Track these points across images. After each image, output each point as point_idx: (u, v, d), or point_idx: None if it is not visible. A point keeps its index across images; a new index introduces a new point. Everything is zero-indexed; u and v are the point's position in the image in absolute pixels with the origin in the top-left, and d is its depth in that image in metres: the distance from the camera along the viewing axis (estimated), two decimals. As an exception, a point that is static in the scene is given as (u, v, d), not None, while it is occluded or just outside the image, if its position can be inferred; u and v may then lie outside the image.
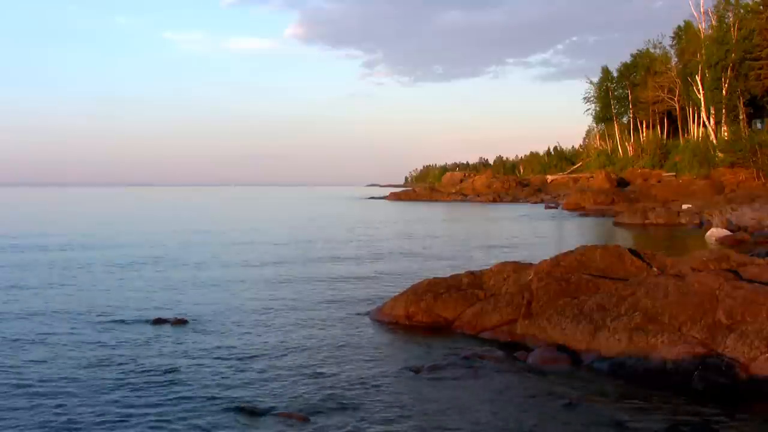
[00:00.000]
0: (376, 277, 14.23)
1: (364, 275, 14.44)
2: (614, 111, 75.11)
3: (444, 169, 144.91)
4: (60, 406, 6.02)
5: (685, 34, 60.82)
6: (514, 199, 61.61)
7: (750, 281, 7.71)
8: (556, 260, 9.53)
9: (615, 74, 74.95)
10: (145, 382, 6.70)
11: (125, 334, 8.77)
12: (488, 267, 10.31)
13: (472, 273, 10.08)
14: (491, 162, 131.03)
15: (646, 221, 29.97)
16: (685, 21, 61.72)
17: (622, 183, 52.57)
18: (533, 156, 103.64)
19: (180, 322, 9.45)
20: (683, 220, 29.28)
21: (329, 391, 6.42)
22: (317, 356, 7.72)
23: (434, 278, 10.12)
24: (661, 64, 64.06)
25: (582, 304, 8.09)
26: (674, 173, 53.27)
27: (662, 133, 66.21)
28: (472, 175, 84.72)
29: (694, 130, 58.62)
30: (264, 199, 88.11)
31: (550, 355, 7.46)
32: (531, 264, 10.06)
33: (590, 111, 79.95)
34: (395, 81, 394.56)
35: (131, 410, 5.91)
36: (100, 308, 10.58)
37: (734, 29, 50.43)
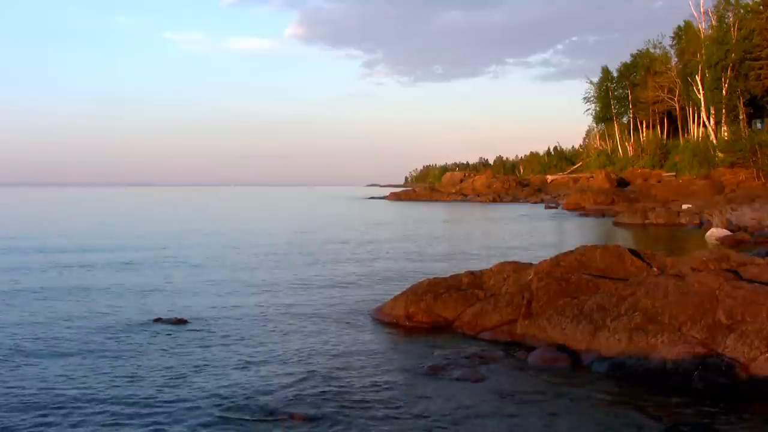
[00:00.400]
0: (376, 277, 14.23)
1: (364, 275, 14.44)
2: (614, 111, 75.13)
3: (444, 169, 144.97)
4: (57, 404, 6.02)
5: (685, 34, 60.83)
6: (514, 199, 61.61)
7: (750, 281, 7.70)
8: (556, 260, 9.53)
9: (615, 74, 75.02)
10: (143, 382, 6.69)
11: (124, 334, 8.76)
12: (488, 267, 10.30)
13: (472, 273, 10.08)
14: (491, 162, 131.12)
15: (646, 221, 29.97)
16: (685, 21, 61.85)
17: (622, 183, 52.58)
18: (533, 156, 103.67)
19: (179, 322, 9.44)
20: (683, 220, 29.27)
21: (329, 391, 6.42)
22: (317, 356, 7.72)
23: (434, 278, 10.11)
24: (661, 64, 64.07)
25: (582, 304, 8.09)
26: (674, 173, 53.28)
27: (662, 133, 66.22)
28: (472, 175, 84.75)
29: (694, 130, 58.64)
30: (264, 199, 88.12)
31: (550, 355, 7.46)
32: (531, 264, 10.05)
33: (590, 111, 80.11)
34: (395, 81, 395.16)
35: (129, 410, 5.91)
36: (99, 307, 10.59)
37: (734, 29, 50.44)
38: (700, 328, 7.01)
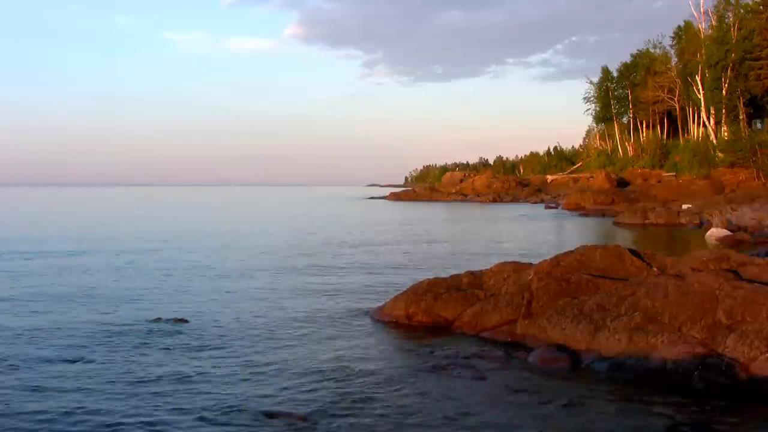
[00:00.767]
0: (376, 277, 14.23)
1: (364, 275, 14.44)
2: (614, 111, 75.14)
3: (444, 169, 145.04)
4: (56, 404, 6.02)
5: (685, 34, 60.84)
6: (514, 199, 61.62)
7: (750, 281, 7.70)
8: (556, 260, 9.53)
9: (615, 74, 75.03)
10: (143, 382, 6.69)
11: (124, 333, 8.75)
12: (488, 267, 10.30)
13: (472, 273, 10.08)
14: (491, 162, 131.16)
15: (646, 221, 29.97)
16: (685, 21, 61.85)
17: (622, 183, 52.58)
18: (533, 156, 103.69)
19: (180, 321, 9.45)
20: (683, 220, 29.28)
21: (329, 391, 6.42)
22: (317, 356, 7.72)
23: (434, 278, 10.11)
24: (661, 64, 64.08)
25: (582, 304, 8.09)
26: (674, 173, 53.28)
27: (662, 133, 66.23)
28: (472, 175, 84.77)
29: (694, 130, 58.65)
30: (264, 199, 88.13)
31: (550, 355, 7.46)
32: (531, 264, 10.05)
33: (590, 111, 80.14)
34: (395, 81, 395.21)
35: (129, 409, 5.91)
36: (99, 307, 10.59)
37: (734, 29, 50.44)
38: (700, 328, 7.01)
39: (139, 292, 12.06)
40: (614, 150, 75.34)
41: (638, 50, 71.24)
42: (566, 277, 8.84)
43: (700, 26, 56.27)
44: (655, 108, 65.08)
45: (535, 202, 56.61)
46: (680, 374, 6.48)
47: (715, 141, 51.11)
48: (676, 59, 63.98)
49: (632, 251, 9.62)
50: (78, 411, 5.88)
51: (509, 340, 8.33)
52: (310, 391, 6.44)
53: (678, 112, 61.74)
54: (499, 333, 8.52)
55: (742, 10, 51.88)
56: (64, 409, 5.92)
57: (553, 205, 49.45)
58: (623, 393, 6.39)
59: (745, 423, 5.65)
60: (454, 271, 10.84)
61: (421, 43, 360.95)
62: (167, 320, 9.53)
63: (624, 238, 23.51)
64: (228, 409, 5.92)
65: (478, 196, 65.22)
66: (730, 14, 52.55)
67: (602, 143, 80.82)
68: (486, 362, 7.37)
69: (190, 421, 5.66)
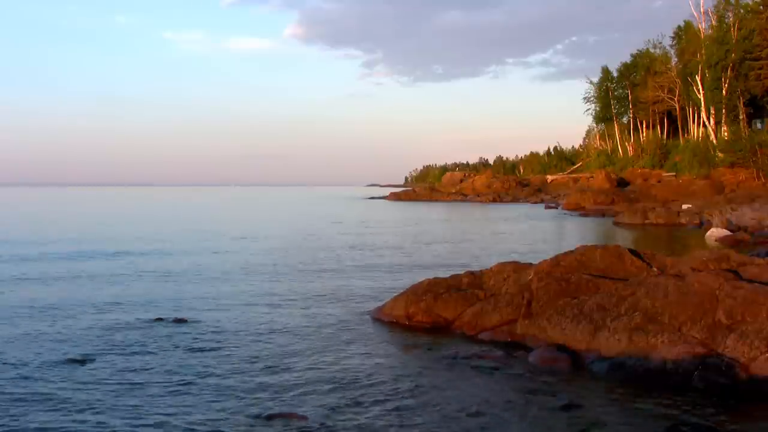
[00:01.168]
0: (375, 277, 14.23)
1: (364, 275, 14.44)
2: (614, 111, 75.15)
3: (444, 169, 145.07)
4: (56, 404, 6.02)
5: (685, 34, 60.86)
6: (514, 199, 61.62)
7: (750, 281, 7.70)
8: (556, 260, 9.52)
9: (615, 74, 75.04)
10: (142, 381, 6.69)
11: (124, 333, 8.76)
12: (488, 267, 10.30)
13: (472, 273, 10.07)
14: (491, 162, 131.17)
15: (646, 221, 29.96)
16: (685, 21, 61.89)
17: (622, 183, 52.58)
18: (533, 156, 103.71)
19: (180, 321, 9.45)
20: (683, 220, 29.27)
21: (328, 391, 6.42)
22: (317, 356, 7.72)
23: (434, 278, 10.11)
24: (661, 64, 64.09)
25: (582, 304, 8.09)
26: (674, 173, 53.28)
27: (662, 133, 66.24)
28: (472, 175, 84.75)
29: (694, 130, 58.66)
30: (264, 199, 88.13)
31: (550, 355, 7.46)
32: (531, 264, 10.05)
33: (590, 111, 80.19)
34: (395, 81, 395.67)
35: (128, 409, 5.91)
36: (99, 306, 10.59)
37: (734, 29, 50.45)
38: (700, 328, 7.01)
39: (139, 293, 12.06)
40: (614, 150, 75.35)
41: (638, 50, 71.41)
42: (566, 277, 8.84)
43: (700, 26, 56.35)
44: (655, 108, 65.09)
45: (535, 202, 56.60)
46: (680, 374, 6.48)
47: (715, 141, 51.12)
48: (676, 59, 64.02)
49: (632, 251, 9.62)
50: (77, 412, 5.88)
51: (509, 340, 8.33)
52: (309, 391, 6.44)
53: (678, 112, 61.75)
54: (499, 333, 8.52)
55: (742, 10, 51.89)
56: (63, 410, 5.91)
57: (553, 205, 49.43)
58: (623, 393, 6.39)
59: (745, 423, 5.65)
60: (454, 271, 10.84)
61: (420, 43, 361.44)
62: (167, 320, 9.54)
63: (624, 238, 23.51)
64: (227, 409, 5.92)
65: (478, 196, 65.22)
66: (730, 14, 52.57)
67: (602, 143, 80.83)
68: (486, 362, 7.37)
69: (190, 422, 5.65)
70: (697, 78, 52.85)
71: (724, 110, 51.39)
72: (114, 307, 10.67)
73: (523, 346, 8.00)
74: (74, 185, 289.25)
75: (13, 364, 7.32)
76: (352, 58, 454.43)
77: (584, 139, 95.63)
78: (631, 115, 72.35)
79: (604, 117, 77.35)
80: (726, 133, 49.70)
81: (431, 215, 42.05)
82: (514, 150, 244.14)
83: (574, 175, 71.63)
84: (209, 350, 7.98)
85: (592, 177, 59.82)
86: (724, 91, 50.66)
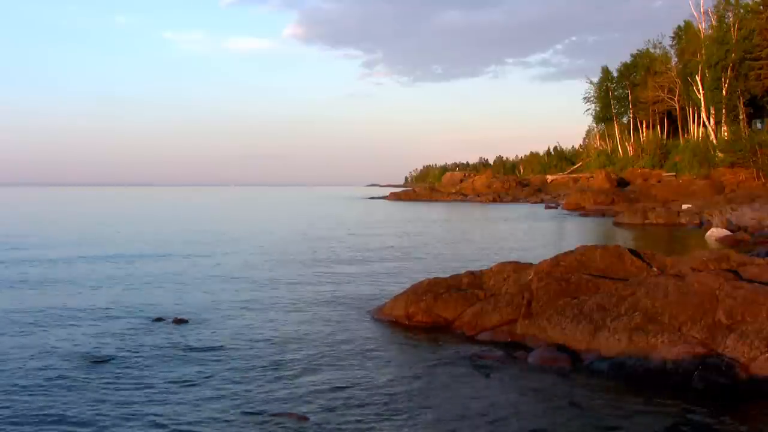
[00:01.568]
0: (376, 277, 14.23)
1: (364, 275, 14.43)
2: (614, 111, 75.15)
3: (444, 169, 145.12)
4: (56, 404, 6.02)
5: (685, 34, 60.84)
6: (514, 199, 61.62)
7: (750, 281, 7.71)
8: (556, 260, 9.52)
9: (615, 74, 75.03)
10: (142, 381, 6.70)
11: (124, 333, 8.76)
12: (488, 267, 10.30)
13: (472, 273, 10.08)
14: (491, 162, 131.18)
15: (646, 221, 29.96)
16: (685, 21, 61.86)
17: (622, 183, 52.56)
18: (533, 156, 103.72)
19: (180, 322, 9.45)
20: (683, 220, 29.27)
21: (329, 391, 6.42)
22: (317, 356, 7.72)
23: (434, 278, 10.11)
24: (661, 64, 64.08)
25: (582, 304, 8.09)
26: (674, 173, 53.28)
27: (662, 133, 66.24)
28: (472, 175, 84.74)
29: (694, 130, 58.65)
30: (263, 199, 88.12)
31: (550, 355, 7.46)
32: (531, 264, 10.05)
33: (590, 111, 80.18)
34: (394, 81, 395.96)
35: (128, 409, 5.91)
36: (99, 306, 10.59)
37: (734, 29, 50.44)
38: (700, 328, 7.01)
39: (139, 293, 12.06)
40: (614, 150, 75.35)
41: (638, 50, 71.39)
42: (566, 277, 8.85)
43: (700, 26, 56.32)
44: (655, 108, 65.09)
45: (535, 202, 56.59)
46: (680, 374, 6.48)
47: (715, 141, 51.10)
48: (676, 59, 64.00)
49: (632, 251, 9.62)
50: (77, 412, 5.88)
51: (509, 340, 8.33)
52: (310, 391, 6.44)
53: (678, 112, 61.75)
54: (499, 333, 8.52)
55: (742, 10, 51.88)
56: (63, 411, 5.92)
57: (553, 205, 49.42)
58: (623, 393, 6.39)
59: (745, 423, 5.65)
60: (454, 271, 10.84)
61: (420, 43, 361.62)
62: (168, 321, 9.54)
63: (624, 238, 23.50)
64: (228, 409, 5.92)
65: (478, 196, 65.22)
66: (730, 14, 52.55)
67: (602, 143, 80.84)
68: (486, 362, 7.37)
69: (190, 422, 5.66)
70: (697, 78, 52.85)
71: (724, 110, 51.38)
72: (114, 307, 10.67)
73: (523, 346, 8.00)
74: (74, 185, 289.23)
75: (12, 364, 7.32)
76: (351, 58, 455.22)
77: (584, 139, 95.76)
78: (631, 115, 72.34)
79: (604, 117, 77.35)
80: (726, 133, 49.69)
81: (431, 215, 42.04)
82: (514, 150, 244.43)
83: (574, 175, 71.63)
84: (209, 350, 7.98)
85: (592, 177, 59.81)
86: (724, 91, 50.66)
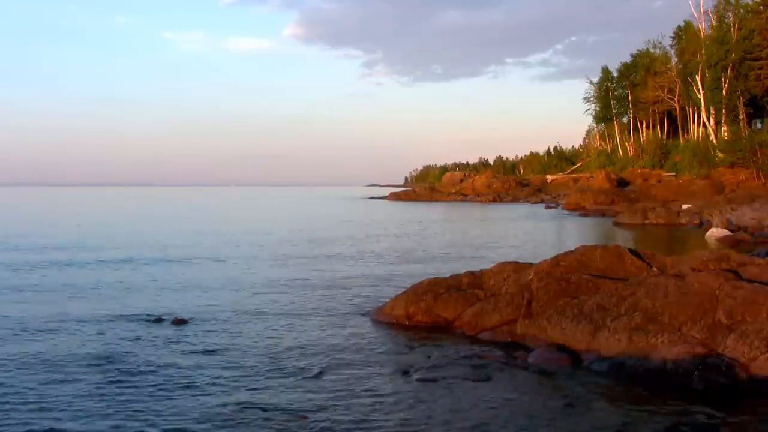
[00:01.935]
0: (375, 277, 14.22)
1: (364, 275, 14.43)
2: (614, 111, 75.16)
3: (444, 169, 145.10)
4: (56, 404, 6.02)
5: (685, 34, 60.83)
6: (514, 199, 61.61)
7: (750, 281, 7.70)
8: (556, 260, 9.52)
9: (615, 74, 75.03)
10: (142, 382, 6.69)
11: (124, 333, 8.76)
12: (488, 267, 10.30)
13: (472, 273, 10.07)
14: (491, 162, 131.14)
15: (646, 221, 29.96)
16: (685, 21, 61.86)
17: (622, 183, 52.55)
18: (533, 156, 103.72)
19: (180, 322, 9.45)
20: (683, 220, 29.26)
21: (329, 391, 6.42)
22: (317, 356, 7.72)
23: (434, 278, 10.11)
24: (661, 64, 64.08)
25: (582, 304, 8.09)
26: (674, 173, 53.27)
27: (662, 133, 66.23)
28: (472, 175, 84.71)
29: (694, 130, 58.65)
30: (263, 199, 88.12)
31: (550, 355, 7.46)
32: (531, 264, 10.05)
33: (590, 111, 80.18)
34: (394, 81, 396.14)
35: (128, 409, 5.91)
36: (99, 307, 10.59)
37: (734, 29, 50.44)
38: (700, 328, 7.01)
39: (139, 293, 12.06)
40: (614, 150, 75.35)
41: (638, 50, 71.39)
42: (566, 277, 8.84)
43: (700, 26, 56.31)
44: (655, 108, 65.08)
45: (535, 202, 56.58)
46: (680, 374, 6.48)
47: (715, 141, 51.10)
48: (676, 59, 64.00)
49: (632, 251, 9.62)
50: (76, 412, 5.88)
51: (509, 340, 8.33)
52: (309, 391, 6.44)
53: (678, 112, 61.74)
54: (499, 333, 8.52)
55: (742, 10, 51.88)
56: (63, 411, 5.92)
57: (553, 205, 49.42)
58: (623, 393, 6.39)
59: (745, 423, 5.65)
60: (454, 271, 10.84)
61: (420, 43, 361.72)
62: (167, 320, 9.54)
63: (624, 238, 23.50)
64: (227, 409, 5.92)
65: (478, 196, 65.20)
66: (730, 14, 52.55)
67: (602, 143, 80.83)
68: (486, 362, 7.36)
69: (189, 421, 5.66)
70: (697, 78, 52.84)
71: (724, 110, 51.37)
72: (113, 307, 10.66)
73: (523, 346, 7.99)
74: (74, 185, 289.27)
75: (11, 365, 7.32)
76: (351, 58, 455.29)
77: (584, 139, 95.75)
78: (631, 115, 72.34)
79: (604, 117, 77.35)
80: (726, 133, 49.68)
81: (431, 215, 42.04)
82: (514, 150, 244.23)
83: (574, 175, 71.62)
84: (209, 350, 7.98)
85: (592, 177, 59.78)
86: (724, 91, 50.65)
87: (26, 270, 14.92)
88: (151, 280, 13.67)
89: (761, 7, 49.26)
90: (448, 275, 10.33)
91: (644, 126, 70.34)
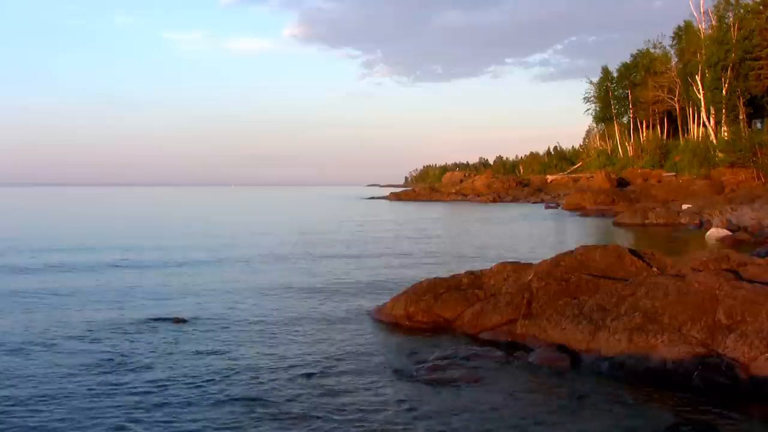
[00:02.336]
0: (376, 277, 14.22)
1: (364, 275, 14.43)
2: (614, 111, 75.15)
3: (444, 169, 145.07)
4: (55, 404, 6.02)
5: (685, 34, 60.81)
6: (514, 199, 61.60)
7: (750, 281, 7.70)
8: (556, 260, 9.52)
9: (615, 74, 75.03)
10: (142, 382, 6.69)
11: (123, 333, 8.76)
12: (488, 267, 10.30)
13: (472, 273, 10.07)
14: (491, 162, 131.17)
15: (646, 221, 29.93)
16: (685, 21, 61.81)
17: (622, 183, 52.54)
18: (533, 156, 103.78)
19: (179, 321, 9.45)
20: (683, 220, 29.25)
21: (328, 392, 6.42)
22: (317, 356, 7.72)
23: (434, 278, 10.11)
24: (661, 64, 64.08)
25: (582, 304, 8.09)
26: (674, 173, 53.27)
27: (662, 133, 66.23)
28: (472, 175, 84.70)
29: (694, 130, 58.63)
30: (263, 199, 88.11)
31: (550, 355, 7.46)
32: (531, 264, 10.05)
33: (590, 111, 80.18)
34: (394, 81, 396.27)
35: (127, 409, 5.91)
36: (99, 306, 10.59)
37: (734, 29, 50.43)
38: (700, 328, 7.01)
39: (137, 292, 12.06)
40: (614, 150, 75.35)
41: (638, 50, 71.36)
42: (566, 277, 8.84)
43: (700, 26, 56.26)
44: (655, 108, 65.09)
45: (535, 202, 56.57)
46: (680, 374, 6.48)
47: (715, 141, 51.08)
48: (676, 59, 63.99)
49: (632, 251, 9.63)
50: (76, 412, 5.88)
51: (509, 340, 8.33)
52: (308, 390, 6.44)
53: (678, 112, 61.74)
54: (499, 333, 8.52)
55: (742, 10, 51.88)
56: (63, 411, 5.92)
57: (553, 205, 49.40)
58: (623, 393, 6.38)
59: (745, 423, 5.65)
60: (454, 271, 10.84)
61: (420, 43, 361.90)
62: (166, 320, 9.54)
63: (624, 238, 23.50)
64: (227, 409, 5.92)
65: (478, 196, 65.19)
66: (730, 14, 52.54)
67: (602, 143, 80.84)
68: (486, 362, 7.36)
69: (189, 421, 5.66)
70: (697, 78, 52.82)
71: (724, 110, 51.36)
72: (113, 307, 10.67)
73: (523, 346, 7.99)
74: (74, 185, 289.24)
75: (11, 364, 7.32)
76: (351, 58, 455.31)
77: (584, 139, 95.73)
78: (631, 115, 72.33)
79: (604, 117, 77.36)
80: (726, 133, 49.66)
81: (431, 215, 42.04)
82: (514, 150, 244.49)
83: (574, 175, 71.62)
84: (207, 350, 7.98)
85: (592, 177, 59.78)
86: (724, 91, 50.64)
87: (24, 271, 14.92)
88: (150, 279, 13.66)
89: (761, 7, 49.27)
90: (448, 275, 10.33)
91: (644, 126, 70.34)
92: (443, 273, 11.19)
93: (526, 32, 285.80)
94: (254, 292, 12.14)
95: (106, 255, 17.80)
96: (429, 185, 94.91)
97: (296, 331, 9.06)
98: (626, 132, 73.66)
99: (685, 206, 33.32)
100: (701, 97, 52.99)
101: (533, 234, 26.12)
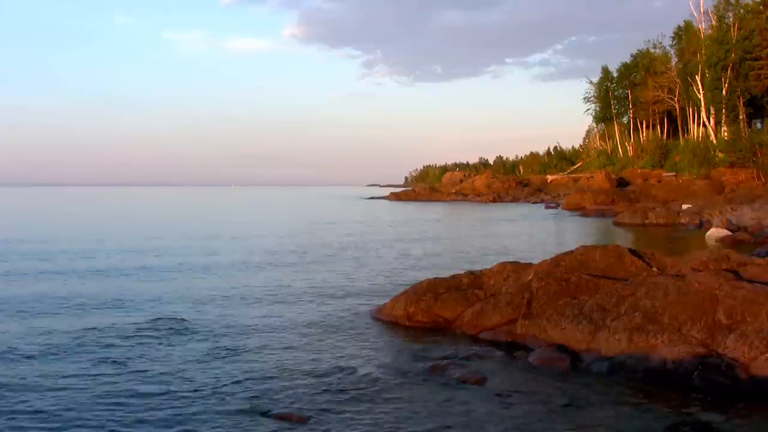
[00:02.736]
0: (376, 277, 14.22)
1: (364, 275, 14.43)
2: (614, 111, 75.17)
3: (444, 169, 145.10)
4: (55, 404, 6.02)
5: (685, 34, 60.83)
6: (514, 199, 61.61)
7: (750, 281, 7.70)
8: (556, 260, 9.52)
9: (615, 74, 75.06)
10: (141, 382, 6.69)
11: (123, 333, 8.75)
12: (488, 267, 10.30)
13: (472, 273, 10.07)
14: (491, 162, 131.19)
15: (646, 221, 29.94)
16: (685, 21, 61.84)
17: (622, 183, 52.55)
18: (533, 156, 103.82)
19: (179, 322, 9.44)
20: (683, 220, 29.25)
21: (329, 392, 6.42)
22: (317, 356, 7.72)
23: (434, 278, 10.11)
24: (661, 64, 64.09)
25: (582, 304, 8.09)
26: (674, 173, 53.28)
27: (662, 133, 66.25)
28: (472, 175, 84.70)
29: (694, 130, 58.65)
30: (263, 199, 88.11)
31: (550, 355, 7.46)
32: (531, 264, 10.05)
33: (590, 111, 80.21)
34: (394, 81, 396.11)
35: (127, 410, 5.91)
36: (98, 306, 10.59)
37: (734, 29, 50.45)
38: (700, 328, 7.01)
39: (138, 292, 12.05)
40: (614, 150, 75.38)
41: (638, 50, 71.41)
42: (566, 277, 8.84)
43: (700, 26, 56.28)
44: (655, 108, 65.11)
45: (535, 202, 56.57)
46: (680, 374, 6.48)
47: (715, 141, 51.09)
48: (676, 59, 64.00)
49: (632, 251, 9.63)
50: (76, 412, 5.88)
51: (509, 340, 8.33)
52: (309, 391, 6.44)
53: (678, 112, 61.76)
54: (499, 333, 8.52)
55: (742, 10, 51.90)
56: (63, 410, 5.92)
57: (553, 205, 49.41)
58: (623, 393, 6.38)
59: (745, 423, 5.65)
60: (454, 271, 10.84)
61: (420, 42, 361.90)
62: (166, 320, 9.53)
63: (624, 238, 23.50)
64: (227, 409, 5.92)
65: (478, 196, 65.19)
66: (730, 14, 52.56)
67: (602, 143, 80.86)
68: (486, 362, 7.36)
69: (189, 422, 5.66)
70: (697, 78, 52.83)
71: (724, 110, 51.37)
72: (113, 306, 10.67)
73: (523, 346, 7.99)
74: (74, 185, 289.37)
75: (12, 365, 7.32)
76: (351, 58, 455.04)
77: (584, 139, 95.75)
78: (631, 115, 72.36)
79: (604, 117, 77.39)
80: (726, 133, 49.67)
81: (431, 215, 42.04)
82: (514, 150, 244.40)
83: (574, 175, 71.64)
84: (208, 350, 7.97)
85: (592, 177, 59.80)
86: (724, 91, 50.65)
87: (24, 271, 14.89)
88: (149, 279, 13.66)
89: (761, 7, 49.27)
90: (448, 275, 10.33)
91: (644, 126, 70.37)
92: (443, 273, 11.18)
93: (526, 32, 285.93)
94: (254, 293, 12.14)
95: (106, 256, 17.79)
96: (429, 185, 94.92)
97: (296, 330, 9.06)
98: (626, 132, 73.69)
99: (685, 206, 33.32)
100: (701, 97, 53.00)
101: (533, 234, 26.12)
